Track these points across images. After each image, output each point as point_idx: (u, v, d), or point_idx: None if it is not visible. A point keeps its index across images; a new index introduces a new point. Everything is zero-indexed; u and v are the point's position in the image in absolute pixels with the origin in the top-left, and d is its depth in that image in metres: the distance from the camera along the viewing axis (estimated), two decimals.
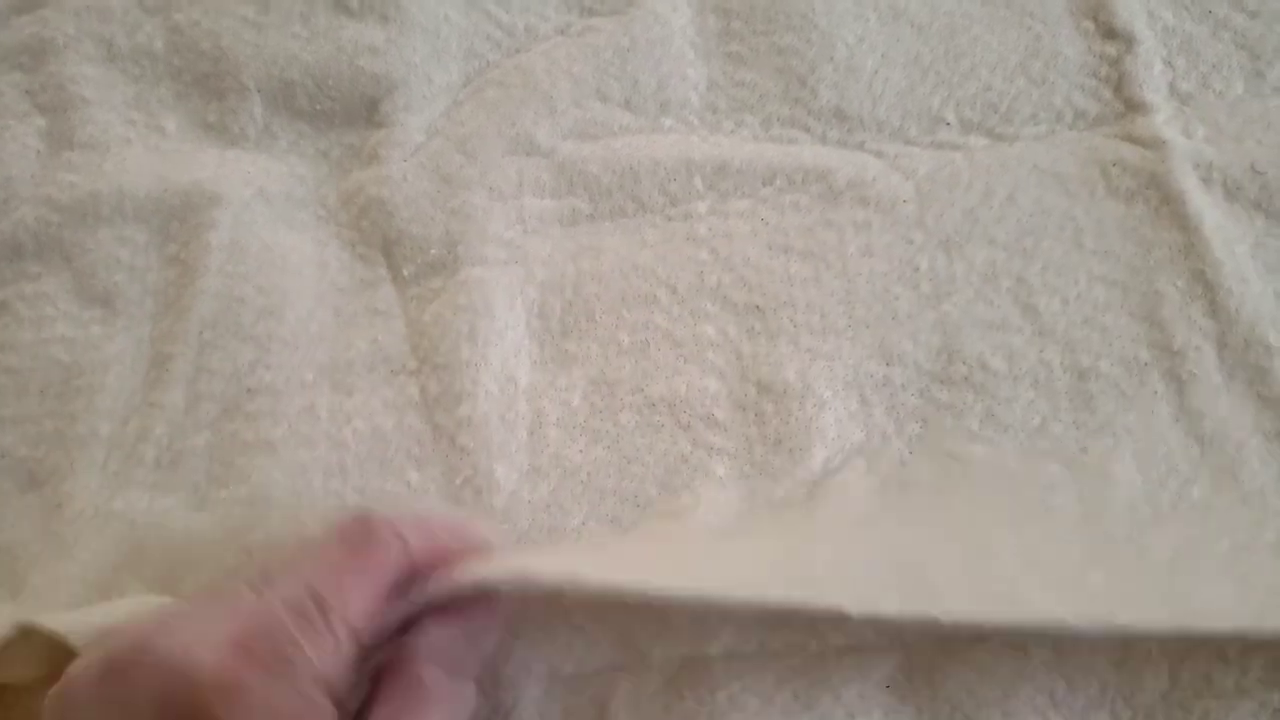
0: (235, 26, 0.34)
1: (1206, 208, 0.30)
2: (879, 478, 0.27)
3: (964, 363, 0.29)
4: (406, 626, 0.23)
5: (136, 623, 0.21)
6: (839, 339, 0.29)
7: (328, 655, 0.20)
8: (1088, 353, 0.28)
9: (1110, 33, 0.32)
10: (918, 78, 0.32)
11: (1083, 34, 0.32)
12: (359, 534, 0.23)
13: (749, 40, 0.33)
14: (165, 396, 0.31)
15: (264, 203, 0.33)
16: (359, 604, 0.21)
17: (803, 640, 0.25)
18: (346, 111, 0.34)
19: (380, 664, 0.23)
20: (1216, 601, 0.24)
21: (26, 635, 0.24)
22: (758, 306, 0.30)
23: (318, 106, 0.34)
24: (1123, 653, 0.24)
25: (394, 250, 0.32)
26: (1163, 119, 0.31)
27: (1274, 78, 0.31)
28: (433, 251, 0.31)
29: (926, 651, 0.25)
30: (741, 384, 0.29)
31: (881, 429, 0.28)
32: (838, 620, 0.22)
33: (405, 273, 0.31)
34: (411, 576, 0.23)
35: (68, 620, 0.25)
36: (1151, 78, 0.31)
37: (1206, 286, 0.29)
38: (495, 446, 0.29)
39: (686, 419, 0.29)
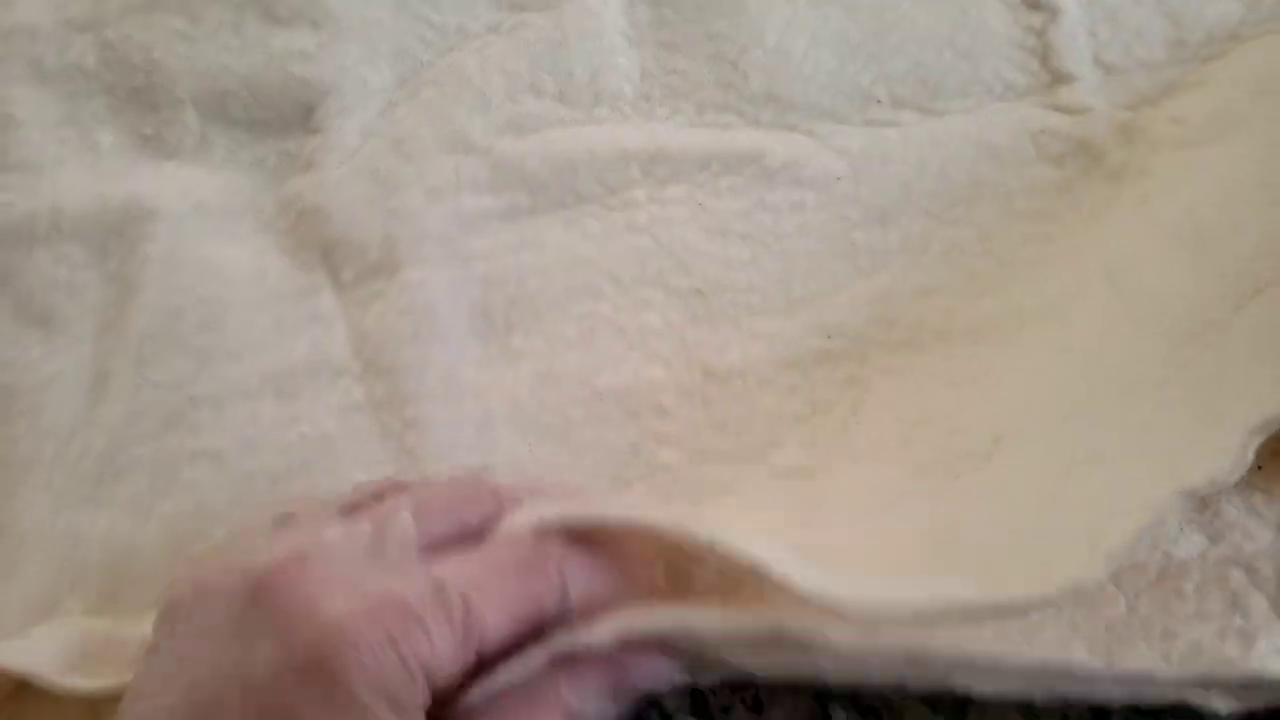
0: (166, 39, 0.34)
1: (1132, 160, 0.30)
2: None
3: (904, 328, 0.29)
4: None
5: (280, 546, 0.22)
6: (779, 318, 0.29)
7: (446, 652, 0.20)
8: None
9: (1035, 4, 0.32)
10: (848, 57, 0.32)
11: (1008, 6, 0.32)
12: (530, 557, 0.23)
13: (680, 28, 0.33)
14: (107, 412, 0.31)
15: (201, 215, 0.32)
16: (498, 622, 0.21)
17: None
18: (282, 119, 0.33)
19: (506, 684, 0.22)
20: None
21: None
22: (699, 291, 0.30)
23: (253, 115, 0.33)
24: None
25: (333, 255, 0.32)
26: (1088, 88, 0.31)
27: (1194, 43, 0.31)
28: (372, 255, 0.31)
29: None
30: (688, 371, 0.29)
31: (825, 399, 0.28)
32: None
33: (345, 277, 0.31)
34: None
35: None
36: (1076, 48, 0.31)
37: None
38: (444, 447, 0.29)
39: (634, 408, 0.29)
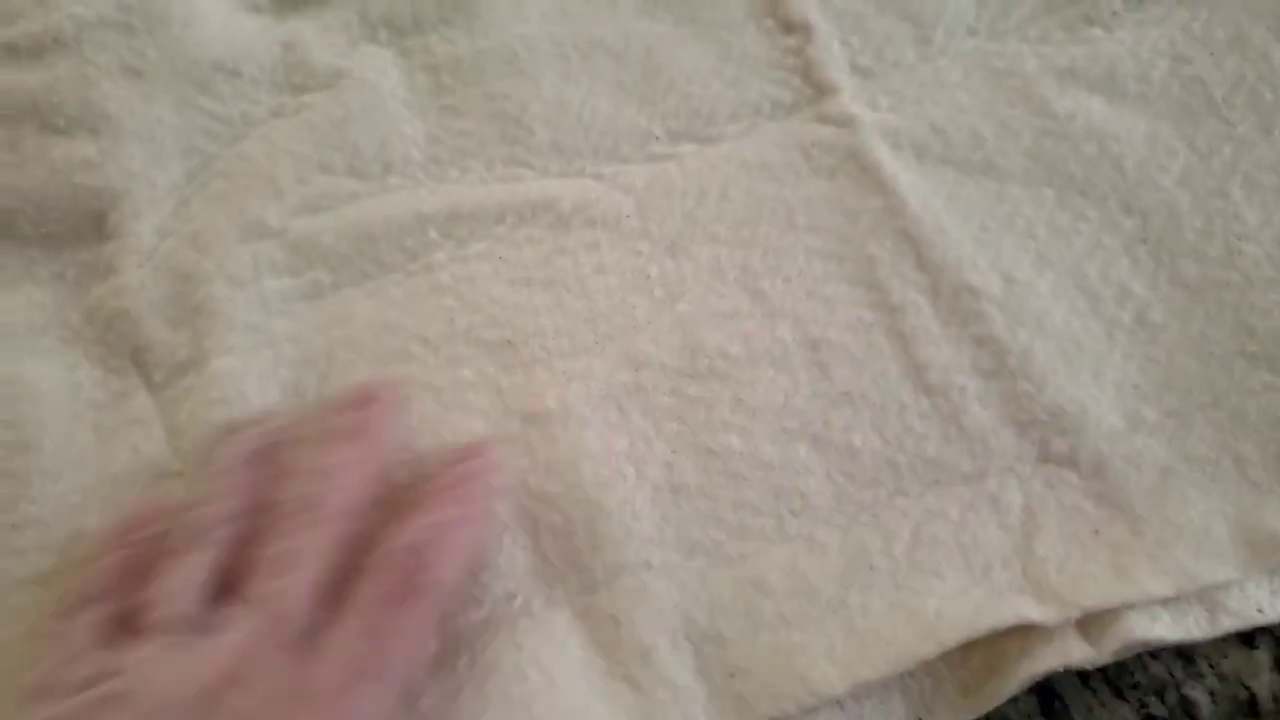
0: None
1: (900, 170, 0.32)
2: None
3: (705, 355, 0.30)
4: None
5: None
6: (589, 357, 0.30)
7: None
8: (816, 324, 0.30)
9: (789, 26, 0.34)
10: (623, 101, 0.33)
11: (765, 32, 0.34)
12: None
13: (460, 92, 0.34)
14: None
15: (3, 337, 0.32)
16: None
17: None
18: (74, 230, 0.33)
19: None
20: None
21: None
22: (509, 341, 0.31)
23: (43, 230, 0.33)
24: None
25: (143, 357, 0.31)
26: (849, 96, 0.33)
27: (939, 41, 0.33)
28: (181, 353, 0.31)
29: None
30: (506, 419, 0.30)
31: (642, 433, 0.29)
32: None
33: (157, 378, 0.31)
34: None
35: None
36: (833, 59, 0.33)
37: (912, 243, 0.31)
38: None
39: None
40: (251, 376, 0.30)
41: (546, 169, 0.33)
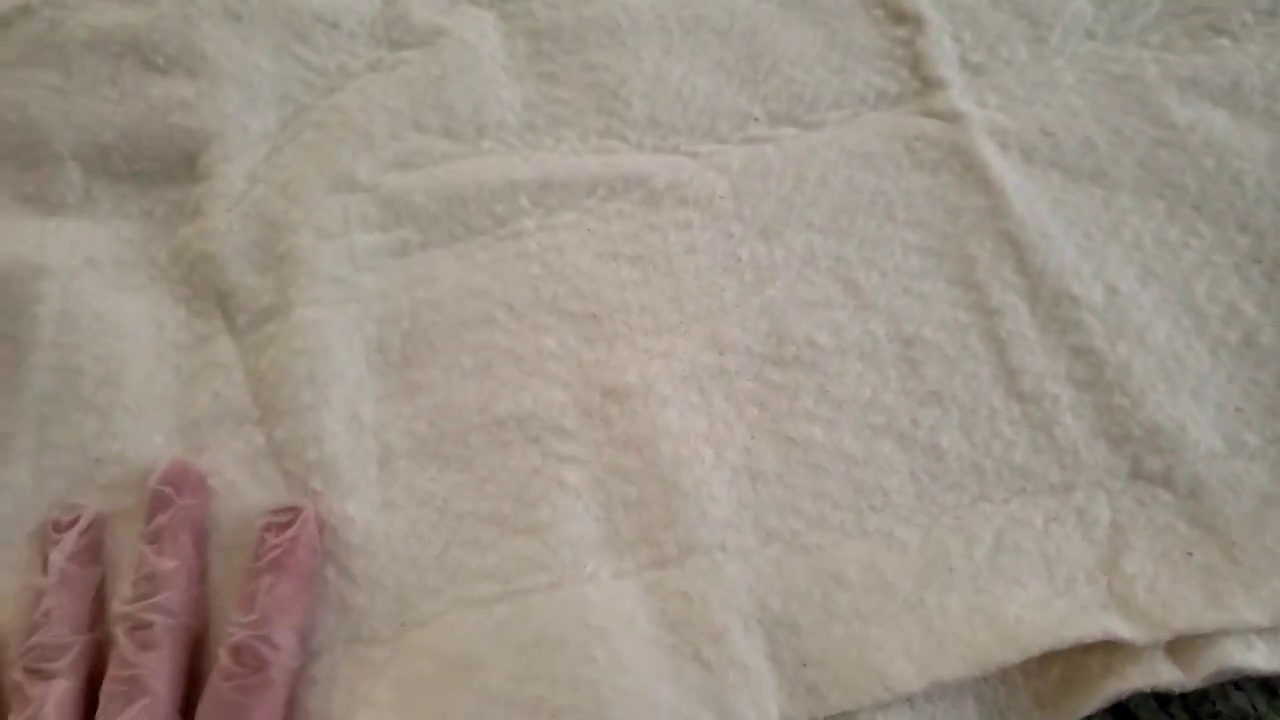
0: (41, 95, 0.34)
1: (1007, 171, 0.31)
2: None
3: (792, 343, 0.29)
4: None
5: None
6: (673, 336, 0.30)
7: None
8: (910, 320, 0.30)
9: (900, 17, 0.33)
10: (723, 80, 0.33)
11: (874, 21, 0.33)
12: None
13: (559, 59, 0.34)
14: (10, 476, 0.30)
15: (93, 270, 0.32)
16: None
17: None
18: (166, 169, 0.33)
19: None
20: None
21: None
22: (593, 314, 0.31)
23: (136, 167, 0.33)
24: None
25: (227, 301, 0.31)
26: (958, 92, 0.32)
27: (1055, 41, 0.33)
28: (265, 299, 0.31)
29: None
30: (586, 391, 0.30)
31: (723, 416, 0.29)
32: None
33: (240, 322, 0.31)
34: None
35: None
36: (943, 54, 0.33)
37: (1014, 245, 0.30)
38: (346, 485, 0.29)
39: (535, 432, 0.29)
40: (336, 329, 0.30)
41: (641, 143, 0.33)
